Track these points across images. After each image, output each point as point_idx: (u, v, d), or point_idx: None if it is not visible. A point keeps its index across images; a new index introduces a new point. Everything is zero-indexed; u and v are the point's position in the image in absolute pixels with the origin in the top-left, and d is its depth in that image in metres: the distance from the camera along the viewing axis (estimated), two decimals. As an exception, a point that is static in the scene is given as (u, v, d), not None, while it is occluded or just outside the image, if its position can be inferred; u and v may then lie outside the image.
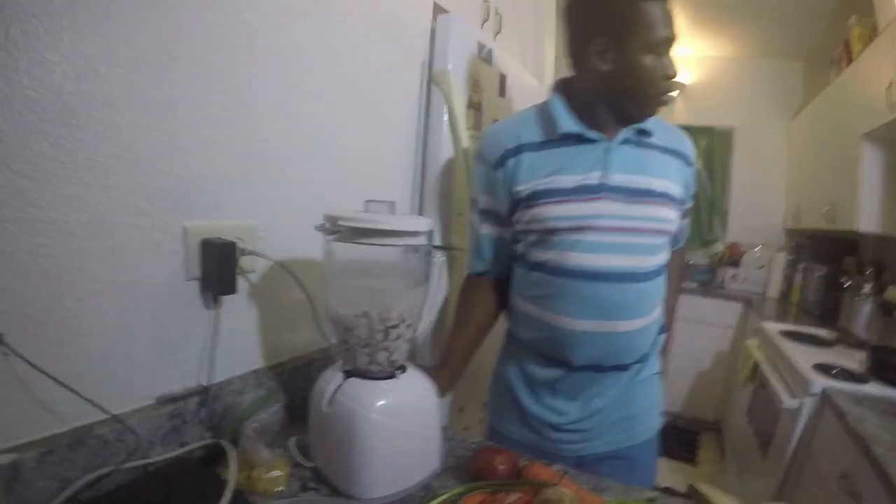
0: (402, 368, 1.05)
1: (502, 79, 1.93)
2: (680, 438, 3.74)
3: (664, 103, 1.16)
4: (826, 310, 3.21)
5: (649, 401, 1.33)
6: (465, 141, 1.63)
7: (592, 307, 1.16)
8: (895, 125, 2.29)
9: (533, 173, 1.17)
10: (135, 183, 0.90)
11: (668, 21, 1.09)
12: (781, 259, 4.16)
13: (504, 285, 1.36)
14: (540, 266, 1.20)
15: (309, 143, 1.27)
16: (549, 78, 2.76)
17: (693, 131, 4.29)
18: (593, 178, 1.15)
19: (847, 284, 2.81)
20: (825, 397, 1.86)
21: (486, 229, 1.30)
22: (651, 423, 1.34)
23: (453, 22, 1.66)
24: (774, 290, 4.18)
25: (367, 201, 0.99)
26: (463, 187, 1.64)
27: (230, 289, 1.06)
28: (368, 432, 0.94)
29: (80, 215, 0.83)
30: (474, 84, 1.72)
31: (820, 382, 1.92)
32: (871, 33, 2.70)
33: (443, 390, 1.23)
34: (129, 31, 0.86)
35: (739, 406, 2.95)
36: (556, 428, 1.27)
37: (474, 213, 1.32)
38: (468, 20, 1.75)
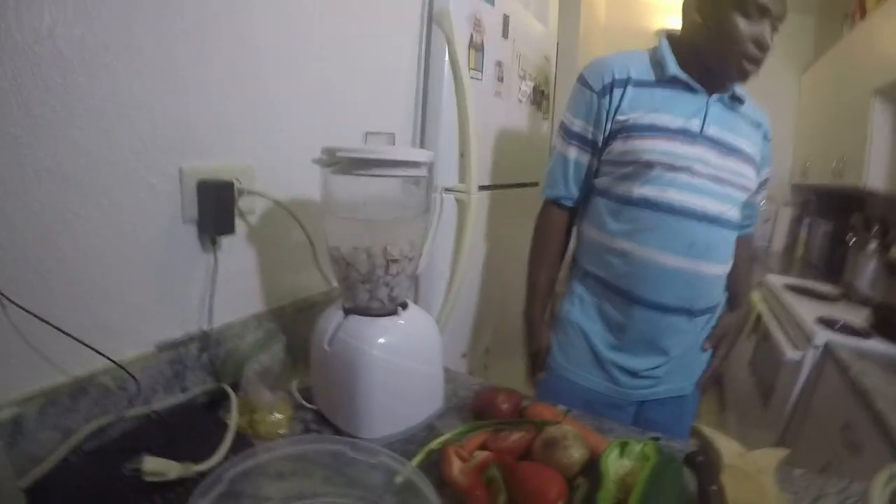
0: (404, 305, 1.03)
1: (505, 20, 1.88)
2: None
3: (748, 71, 1.20)
4: (831, 266, 3.22)
5: (702, 355, 1.40)
6: (467, 81, 1.60)
7: (686, 244, 1.21)
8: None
9: (638, 106, 1.22)
10: (130, 125, 0.87)
11: None
12: (787, 214, 4.14)
13: (574, 217, 1.41)
14: (635, 200, 1.23)
15: (308, 83, 1.23)
16: (553, 22, 2.67)
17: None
18: (694, 124, 1.21)
19: (853, 241, 2.79)
20: (828, 350, 1.87)
21: (575, 154, 1.32)
22: (698, 375, 1.41)
23: None
24: (779, 244, 4.17)
25: (367, 133, 0.97)
26: (466, 126, 1.61)
27: (229, 229, 1.03)
28: (370, 370, 0.92)
29: (75, 159, 0.80)
30: (476, 24, 1.68)
31: (823, 335, 1.92)
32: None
33: (543, 349, 1.39)
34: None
35: (741, 357, 2.96)
36: (633, 374, 1.31)
37: (563, 137, 1.34)
38: None
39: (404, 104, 1.60)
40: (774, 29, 1.16)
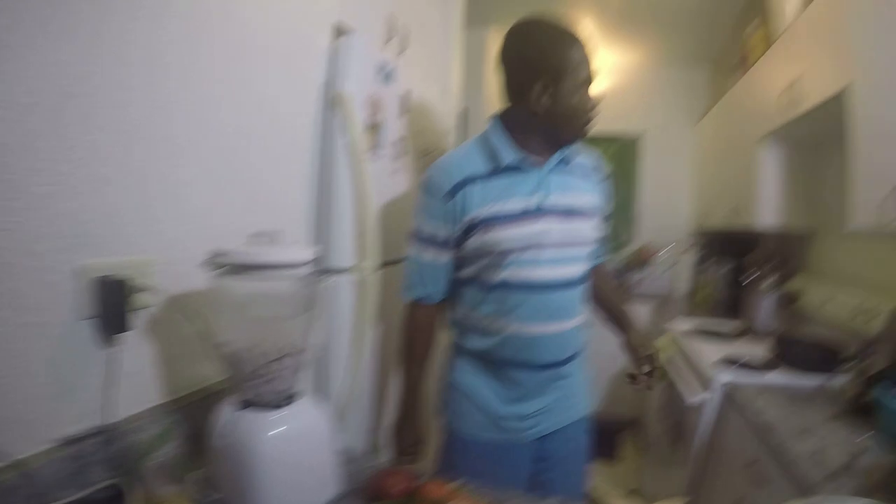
0: (293, 397, 1.07)
1: (403, 98, 1.91)
2: (603, 438, 3.77)
3: (589, 130, 1.39)
4: (733, 305, 3.33)
5: (581, 387, 1.56)
6: (364, 164, 1.62)
7: (546, 313, 1.37)
8: (790, 127, 2.40)
9: (482, 201, 1.33)
10: (30, 225, 0.88)
11: (588, 63, 1.33)
12: (689, 258, 4.31)
13: (440, 307, 1.51)
14: (498, 285, 1.36)
15: (203, 177, 1.25)
16: (456, 94, 2.75)
17: (603, 137, 4.44)
18: (535, 201, 1.34)
19: (750, 279, 2.91)
20: (729, 389, 1.92)
21: (431, 255, 1.42)
22: (583, 404, 1.56)
23: (353, 43, 1.65)
24: (684, 288, 4.33)
25: (251, 235, 1.02)
26: (364, 208, 1.63)
27: (123, 327, 1.03)
28: (261, 463, 0.97)
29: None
30: (374, 105, 1.71)
31: (723, 376, 1.98)
32: (768, 40, 2.84)
33: (420, 440, 1.54)
34: (21, 72, 0.85)
35: (653, 403, 3.02)
36: (523, 419, 1.44)
37: (416, 242, 1.44)
38: (370, 40, 1.74)
39: (303, 190, 1.63)
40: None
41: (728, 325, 2.87)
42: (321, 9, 1.64)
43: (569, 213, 1.38)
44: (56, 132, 0.91)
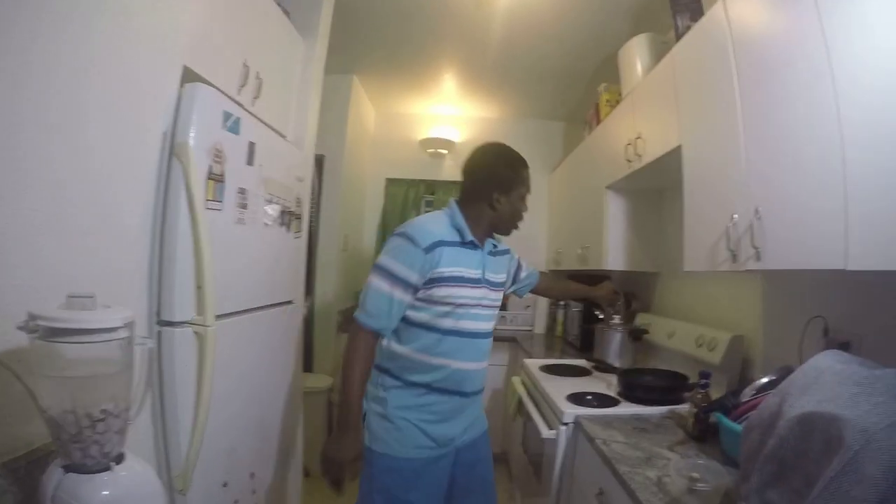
0: (119, 458, 1.07)
1: (251, 147, 1.91)
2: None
3: (511, 230, 1.90)
4: (586, 342, 3.52)
5: (481, 408, 1.99)
6: (202, 214, 1.59)
7: (479, 355, 1.82)
8: (633, 178, 2.66)
9: (450, 262, 1.69)
10: None
11: (529, 181, 1.87)
12: (545, 300, 4.53)
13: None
14: (449, 330, 1.72)
15: (32, 226, 1.18)
16: (311, 142, 2.76)
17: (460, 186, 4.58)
18: (478, 273, 1.78)
19: (601, 317, 3.10)
20: (578, 424, 2.02)
21: (399, 294, 1.67)
22: (483, 421, 1.98)
23: (199, 92, 1.62)
24: (541, 327, 4.56)
25: (68, 296, 1.01)
26: (201, 261, 1.60)
27: None
28: None
29: None
30: (217, 155, 1.68)
31: (571, 412, 2.07)
32: (617, 99, 3.10)
33: (360, 456, 1.68)
34: None
35: (516, 437, 3.11)
36: (449, 435, 1.78)
37: (388, 279, 1.66)
38: (214, 90, 1.70)
39: (139, 241, 1.55)
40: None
41: (580, 361, 3.05)
42: (169, 54, 1.60)
43: (495, 286, 1.86)
44: None
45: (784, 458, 1.01)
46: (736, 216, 1.61)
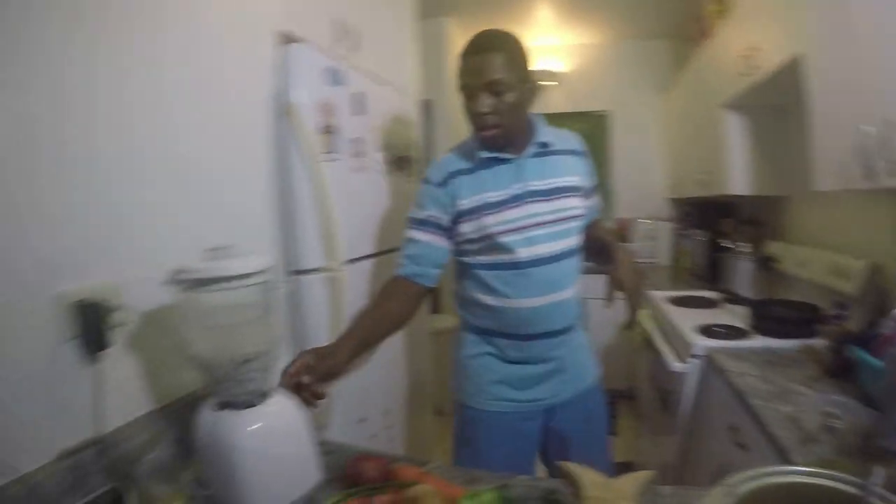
0: (266, 395, 1.13)
1: (357, 97, 1.95)
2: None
3: (488, 137, 1.46)
4: (713, 272, 3.37)
5: (584, 356, 1.66)
6: (321, 166, 1.70)
7: (541, 288, 1.48)
8: (750, 92, 2.44)
9: (470, 191, 1.48)
10: (5, 259, 0.96)
11: (475, 72, 1.40)
12: (668, 229, 4.36)
13: (425, 296, 1.59)
14: (493, 265, 1.49)
15: (165, 198, 1.32)
16: (416, 87, 2.77)
17: (571, 117, 4.46)
18: (515, 188, 1.47)
19: (727, 246, 2.95)
20: (708, 357, 1.97)
21: (426, 237, 1.52)
22: (590, 373, 1.67)
23: (299, 52, 1.71)
24: (665, 258, 4.38)
25: (206, 250, 1.09)
26: (325, 209, 1.72)
27: (104, 345, 1.11)
28: (242, 458, 1.03)
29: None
30: (326, 109, 1.75)
31: (702, 344, 2.02)
32: (724, 8, 2.87)
33: (342, 362, 1.33)
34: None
35: (643, 372, 3.07)
36: (524, 389, 1.56)
37: (412, 225, 1.55)
38: (315, 47, 1.78)
39: (264, 199, 1.71)
40: (497, 94, 1.39)
41: (709, 292, 2.93)
42: (265, 20, 1.69)
43: (551, 193, 1.49)
44: (18, 167, 0.98)
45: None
46: (869, 128, 1.44)
